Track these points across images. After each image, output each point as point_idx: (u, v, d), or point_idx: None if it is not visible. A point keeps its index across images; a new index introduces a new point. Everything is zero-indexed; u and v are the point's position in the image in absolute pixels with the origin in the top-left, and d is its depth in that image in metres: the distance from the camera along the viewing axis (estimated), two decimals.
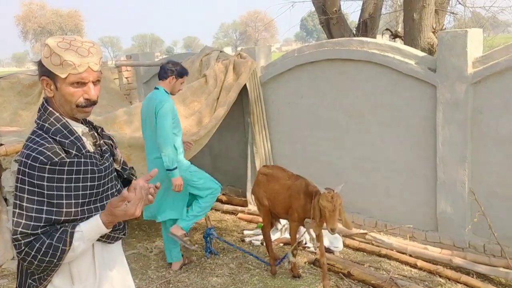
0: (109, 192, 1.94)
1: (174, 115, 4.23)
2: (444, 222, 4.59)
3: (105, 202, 1.89)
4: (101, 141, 1.98)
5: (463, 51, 4.18)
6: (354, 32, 7.55)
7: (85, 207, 1.82)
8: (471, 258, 4.27)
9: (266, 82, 5.97)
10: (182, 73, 4.36)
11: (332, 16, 7.22)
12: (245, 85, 5.77)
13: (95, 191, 1.86)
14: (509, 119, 4.06)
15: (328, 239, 4.79)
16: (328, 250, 4.70)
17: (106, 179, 1.92)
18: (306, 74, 5.51)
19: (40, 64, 1.80)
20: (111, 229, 1.84)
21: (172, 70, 4.28)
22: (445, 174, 4.48)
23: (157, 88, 4.32)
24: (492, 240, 4.25)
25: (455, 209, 4.47)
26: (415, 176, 4.78)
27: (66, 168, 1.76)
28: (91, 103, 1.83)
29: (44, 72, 1.78)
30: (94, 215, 1.81)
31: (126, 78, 7.88)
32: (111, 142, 2.06)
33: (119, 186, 2.05)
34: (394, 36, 7.19)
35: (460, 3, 7.47)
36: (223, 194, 6.68)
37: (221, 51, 6.32)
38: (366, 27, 7.41)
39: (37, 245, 1.71)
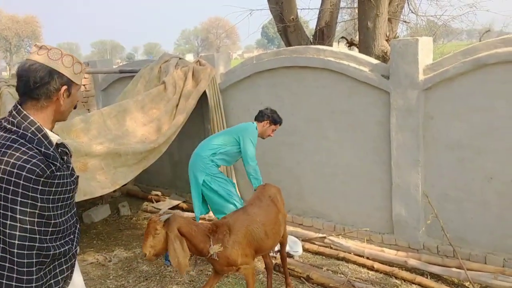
0: (74, 202, 2.01)
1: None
2: (400, 225, 4.71)
3: (73, 212, 1.98)
4: (60, 149, 1.98)
5: (414, 59, 4.33)
6: (311, 39, 7.68)
7: (64, 218, 1.89)
8: (425, 259, 4.40)
9: (225, 89, 6.00)
10: (276, 121, 4.74)
11: (289, 24, 7.32)
12: (204, 92, 5.77)
13: (70, 202, 1.93)
14: (459, 124, 4.22)
15: (288, 244, 4.84)
16: (288, 255, 4.75)
17: (74, 186, 1.98)
18: (265, 81, 5.57)
19: (56, 74, 1.83)
20: None
21: (268, 115, 4.71)
22: (399, 178, 4.61)
23: (253, 123, 4.76)
24: (444, 241, 4.40)
25: (410, 212, 4.61)
26: (371, 180, 4.90)
27: (55, 181, 1.80)
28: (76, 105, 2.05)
29: (65, 82, 1.87)
30: (69, 226, 1.91)
31: (84, 85, 7.74)
32: (67, 150, 2.07)
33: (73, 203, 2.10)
34: (350, 44, 7.35)
35: (412, 12, 7.72)
36: (183, 202, 6.65)
37: (180, 58, 6.31)
38: (323, 35, 7.55)
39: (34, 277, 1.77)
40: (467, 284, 4.08)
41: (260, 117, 4.75)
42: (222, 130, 6.00)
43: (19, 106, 1.84)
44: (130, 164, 5.02)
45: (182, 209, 6.47)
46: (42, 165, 1.74)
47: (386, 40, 6.04)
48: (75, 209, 2.03)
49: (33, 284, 1.76)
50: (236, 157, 4.74)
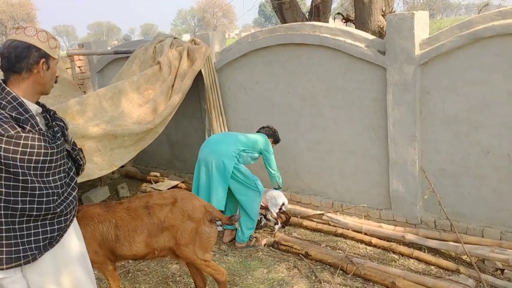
0: (61, 168, 2.17)
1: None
2: (397, 200, 4.73)
3: (57, 177, 2.13)
4: (53, 123, 2.21)
5: (410, 33, 4.29)
6: (307, 16, 7.60)
7: (39, 179, 2.04)
8: (423, 233, 4.42)
9: (221, 68, 5.96)
10: (278, 140, 5.13)
11: (284, 1, 7.24)
12: (200, 71, 5.74)
13: (47, 165, 2.07)
14: (455, 99, 4.20)
15: (269, 205, 5.07)
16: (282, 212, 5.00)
17: (58, 156, 2.14)
18: (260, 59, 5.53)
19: (33, 48, 2.03)
20: None
21: (273, 135, 5.05)
22: (396, 154, 4.61)
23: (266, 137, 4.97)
24: (442, 215, 4.42)
25: (407, 188, 4.62)
26: (368, 156, 4.90)
27: (21, 141, 1.97)
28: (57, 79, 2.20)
29: (43, 55, 2.06)
30: (49, 187, 2.05)
31: (79, 67, 7.69)
32: (63, 124, 2.27)
33: (69, 164, 2.28)
34: (346, 20, 7.28)
35: None
36: (182, 182, 6.67)
37: (175, 38, 6.25)
38: (319, 11, 7.46)
39: None
40: (464, 257, 4.12)
41: (269, 135, 4.98)
42: (219, 109, 5.98)
43: (2, 83, 2.04)
44: (126, 146, 5.02)
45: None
46: (6, 126, 1.93)
47: (382, 15, 5.98)
48: (65, 173, 2.20)
49: (3, 234, 1.97)
50: (252, 161, 4.87)
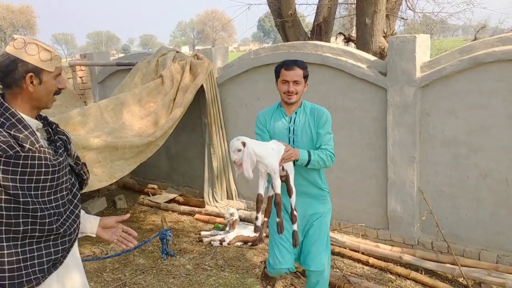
0: (64, 186, 2.06)
1: None
2: (395, 221, 4.76)
3: (59, 195, 2.03)
4: (55, 137, 2.10)
5: (412, 56, 4.35)
6: (309, 35, 7.69)
7: (40, 199, 1.93)
8: (419, 255, 4.44)
9: (222, 83, 6.00)
10: None
11: (287, 19, 7.32)
12: (202, 86, 5.78)
13: (48, 184, 1.96)
14: (455, 122, 4.26)
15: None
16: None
17: (60, 173, 2.02)
18: (262, 76, 5.58)
19: (20, 62, 1.91)
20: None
21: None
22: (395, 174, 4.64)
23: None
24: (439, 237, 4.44)
25: (405, 208, 4.65)
26: (367, 176, 4.93)
27: (20, 161, 1.86)
28: (59, 91, 2.06)
29: (31, 69, 1.92)
30: (50, 207, 1.96)
31: (80, 77, 7.72)
32: (65, 138, 2.16)
33: (72, 179, 2.17)
34: (347, 39, 7.36)
35: (410, 9, 7.74)
36: (180, 195, 6.67)
37: (177, 52, 6.30)
38: (321, 30, 7.55)
39: None
40: (461, 280, 4.13)
41: None
42: (220, 124, 6.01)
43: (1, 98, 1.96)
44: (127, 158, 5.03)
45: (179, 203, 6.50)
46: (4, 146, 1.82)
47: (384, 37, 6.06)
48: (68, 191, 2.09)
49: (5, 259, 1.86)
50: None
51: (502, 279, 3.81)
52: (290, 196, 3.03)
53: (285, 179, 3.01)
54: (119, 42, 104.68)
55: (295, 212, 3.07)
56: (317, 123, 3.16)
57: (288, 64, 3.14)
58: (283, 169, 2.98)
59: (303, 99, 3.27)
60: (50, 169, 1.96)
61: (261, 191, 2.91)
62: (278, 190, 2.88)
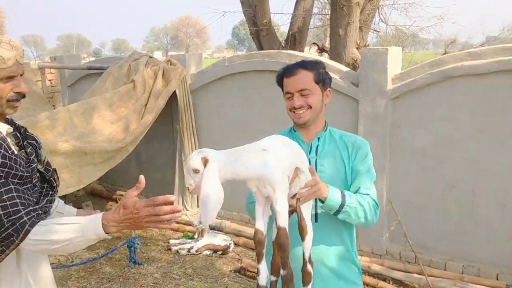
0: (36, 195, 1.90)
1: None
2: (364, 231, 4.79)
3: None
4: (25, 142, 1.93)
5: (384, 68, 4.42)
6: (283, 44, 7.74)
7: (10, 209, 1.75)
8: (388, 264, 4.49)
9: (196, 90, 5.97)
10: None
11: (262, 28, 7.36)
12: (174, 92, 5.73)
13: (21, 194, 1.80)
14: (423, 133, 4.33)
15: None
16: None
17: (31, 180, 1.87)
18: (236, 83, 5.58)
19: None
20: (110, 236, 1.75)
21: None
22: None
23: None
24: (407, 247, 4.50)
25: None
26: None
27: None
28: (21, 96, 1.82)
29: None
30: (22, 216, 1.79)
31: (50, 80, 7.56)
32: (35, 143, 2.00)
33: (45, 187, 2.00)
34: (321, 50, 7.44)
35: (383, 21, 7.88)
36: None
37: (150, 57, 6.24)
38: (295, 40, 7.61)
39: None
40: None
41: None
42: (192, 131, 5.97)
43: None
44: (96, 163, 4.94)
45: None
46: None
47: (357, 48, 6.14)
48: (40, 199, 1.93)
49: None
50: None
51: None
52: (302, 239, 1.80)
53: (294, 209, 1.80)
54: (91, 45, 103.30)
55: (308, 267, 1.82)
56: (354, 156, 2.14)
57: (288, 70, 2.17)
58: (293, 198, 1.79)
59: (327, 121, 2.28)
60: (22, 174, 1.80)
61: (260, 225, 1.72)
62: (283, 221, 1.64)
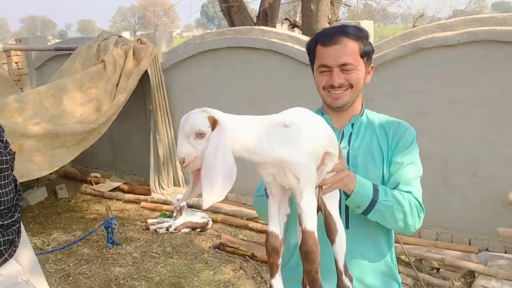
0: (7, 184, 1.93)
1: None
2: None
3: (12, 186, 1.95)
4: None
5: None
6: (255, 20, 7.68)
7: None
8: None
9: (168, 69, 5.90)
10: None
11: (233, 4, 7.27)
12: (146, 71, 5.65)
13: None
14: (397, 106, 4.39)
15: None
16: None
17: (7, 171, 1.91)
18: (209, 61, 5.53)
19: None
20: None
21: None
22: None
23: None
24: None
25: None
26: None
27: None
28: None
29: None
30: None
31: (16, 63, 7.34)
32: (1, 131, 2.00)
33: (12, 175, 2.02)
34: (293, 26, 7.41)
35: None
36: (124, 183, 6.53)
37: (119, 36, 6.12)
38: (267, 16, 7.55)
39: None
40: (403, 257, 4.29)
41: None
42: (165, 110, 5.91)
43: None
44: (68, 145, 4.87)
45: (123, 191, 6.36)
46: None
47: (328, 23, 6.14)
48: (10, 181, 1.98)
49: None
50: None
51: (441, 255, 4.00)
52: (332, 241, 1.42)
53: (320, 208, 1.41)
54: (56, 27, 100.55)
55: (345, 281, 1.42)
56: (395, 145, 1.75)
57: (327, 36, 1.67)
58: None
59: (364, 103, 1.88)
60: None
61: (275, 227, 1.29)
62: (311, 223, 1.24)
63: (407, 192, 1.66)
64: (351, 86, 1.68)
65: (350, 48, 1.64)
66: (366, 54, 1.68)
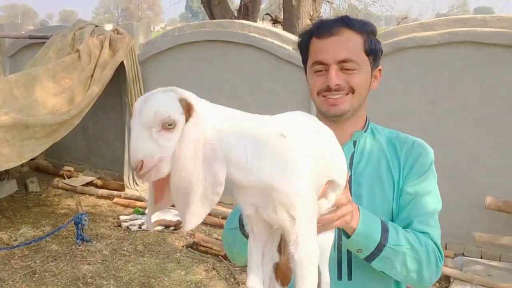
0: None
1: None
2: None
3: None
4: None
5: None
6: (236, 14, 7.56)
7: None
8: None
9: (144, 61, 5.75)
10: None
11: None
12: (122, 62, 5.49)
13: None
14: (377, 105, 4.27)
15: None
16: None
17: None
18: (186, 54, 5.39)
19: None
20: None
21: None
22: None
23: None
24: None
25: None
26: None
27: None
28: None
29: None
30: None
31: None
32: None
33: None
34: (274, 21, 7.32)
35: None
36: (98, 178, 6.36)
37: (96, 26, 5.94)
38: (248, 10, 7.43)
39: None
40: None
41: None
42: None
43: None
44: (38, 137, 4.70)
45: (96, 186, 6.19)
46: None
47: (310, 20, 6.05)
48: None
49: None
50: None
51: None
52: None
53: None
54: (37, 17, 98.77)
55: None
56: (408, 170, 1.37)
57: (324, 26, 1.34)
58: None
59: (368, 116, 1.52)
60: None
61: (255, 282, 0.93)
62: (310, 283, 0.90)
63: (423, 233, 1.28)
64: (353, 91, 1.33)
65: (352, 41, 1.29)
66: (373, 53, 1.33)
